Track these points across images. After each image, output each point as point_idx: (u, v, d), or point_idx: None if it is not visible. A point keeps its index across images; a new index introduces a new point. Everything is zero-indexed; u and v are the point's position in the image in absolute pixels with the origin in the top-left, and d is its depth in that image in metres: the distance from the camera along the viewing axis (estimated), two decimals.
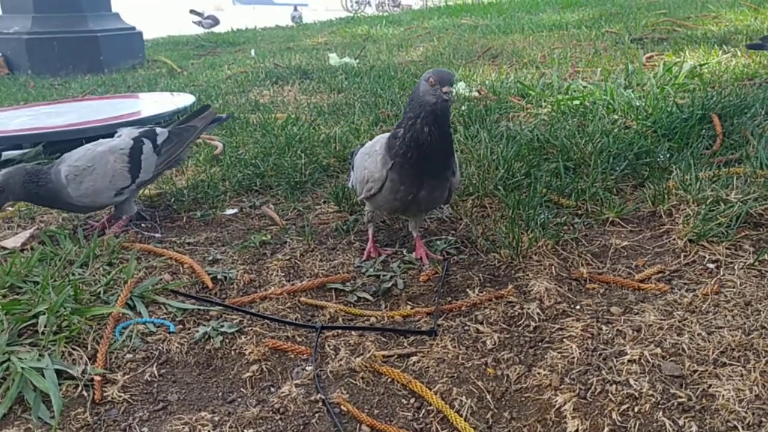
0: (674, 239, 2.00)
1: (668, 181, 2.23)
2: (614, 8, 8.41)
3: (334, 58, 5.33)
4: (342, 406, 1.47)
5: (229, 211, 2.53)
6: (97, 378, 1.56)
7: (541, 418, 1.43)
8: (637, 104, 2.98)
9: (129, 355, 1.67)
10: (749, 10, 6.67)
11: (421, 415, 1.48)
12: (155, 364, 1.66)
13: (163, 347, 1.71)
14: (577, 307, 1.75)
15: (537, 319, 1.71)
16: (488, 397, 1.50)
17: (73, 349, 1.67)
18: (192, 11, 11.89)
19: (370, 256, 2.01)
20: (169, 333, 1.76)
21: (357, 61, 5.31)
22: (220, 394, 1.58)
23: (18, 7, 7.14)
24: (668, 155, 2.47)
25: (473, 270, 1.99)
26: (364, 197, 1.97)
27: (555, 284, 1.84)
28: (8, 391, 1.52)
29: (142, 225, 2.44)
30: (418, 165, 1.82)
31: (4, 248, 2.30)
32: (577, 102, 3.17)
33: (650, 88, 3.30)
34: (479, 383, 1.53)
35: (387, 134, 1.93)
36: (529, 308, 1.75)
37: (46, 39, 6.99)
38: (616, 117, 2.94)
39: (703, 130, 2.70)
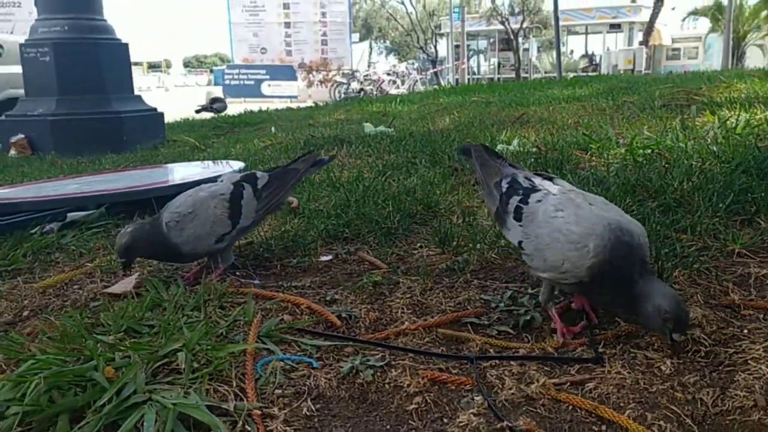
0: None
1: None
2: (621, 83, 8.67)
3: (368, 127, 5.38)
4: None
5: (324, 258, 2.44)
6: (257, 412, 1.44)
7: None
8: (715, 149, 2.98)
9: (278, 391, 1.55)
10: (759, 80, 6.89)
11: None
12: (308, 398, 1.53)
13: (311, 383, 1.59)
14: (745, 331, 1.66)
15: (707, 344, 1.62)
16: (688, 421, 1.39)
17: (219, 385, 1.55)
18: (200, 108, 11.77)
19: (564, 336, 1.76)
20: (313, 369, 1.64)
21: (392, 129, 5.35)
22: (388, 426, 1.46)
23: (42, 90, 7.20)
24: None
25: None
26: (550, 278, 1.81)
27: (710, 311, 1.76)
28: None
29: (237, 273, 2.34)
30: None
31: (112, 294, 2.20)
32: (648, 150, 3.18)
33: (714, 138, 3.32)
34: (673, 407, 1.42)
35: (590, 208, 1.76)
36: (693, 333, 1.65)
37: (70, 120, 7.01)
38: (694, 162, 2.93)
39: None
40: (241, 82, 29.44)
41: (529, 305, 1.93)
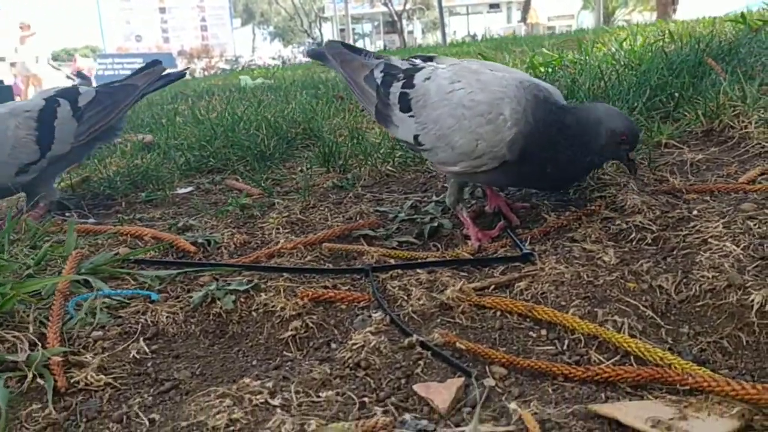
0: (756, 145, 1.68)
1: (719, 97, 1.92)
2: (507, 41, 8.61)
3: (246, 80, 4.86)
4: (458, 345, 0.98)
5: (182, 190, 1.98)
6: (56, 359, 0.98)
7: (742, 325, 1.00)
8: (619, 58, 2.74)
9: (97, 333, 1.10)
10: (640, 27, 6.94)
11: (565, 347, 1.01)
12: (141, 339, 1.09)
13: (146, 319, 1.15)
14: (694, 212, 1.35)
15: (653, 230, 1.30)
16: (649, 312, 1.06)
17: (7, 332, 1.07)
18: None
19: (480, 240, 1.39)
20: (151, 302, 1.19)
21: (272, 80, 4.87)
22: (254, 362, 1.05)
23: None
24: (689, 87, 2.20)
25: (534, 199, 1.57)
26: (463, 171, 1.41)
27: (649, 197, 1.45)
28: None
29: (67, 214, 1.83)
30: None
31: None
32: (550, 68, 2.89)
33: (617, 49, 3.10)
34: (627, 299, 1.09)
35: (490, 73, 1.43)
36: (634, 221, 1.33)
37: None
38: (602, 68, 2.67)
39: (698, 73, 2.47)
40: (116, 72, 27.47)
41: (434, 212, 1.56)
